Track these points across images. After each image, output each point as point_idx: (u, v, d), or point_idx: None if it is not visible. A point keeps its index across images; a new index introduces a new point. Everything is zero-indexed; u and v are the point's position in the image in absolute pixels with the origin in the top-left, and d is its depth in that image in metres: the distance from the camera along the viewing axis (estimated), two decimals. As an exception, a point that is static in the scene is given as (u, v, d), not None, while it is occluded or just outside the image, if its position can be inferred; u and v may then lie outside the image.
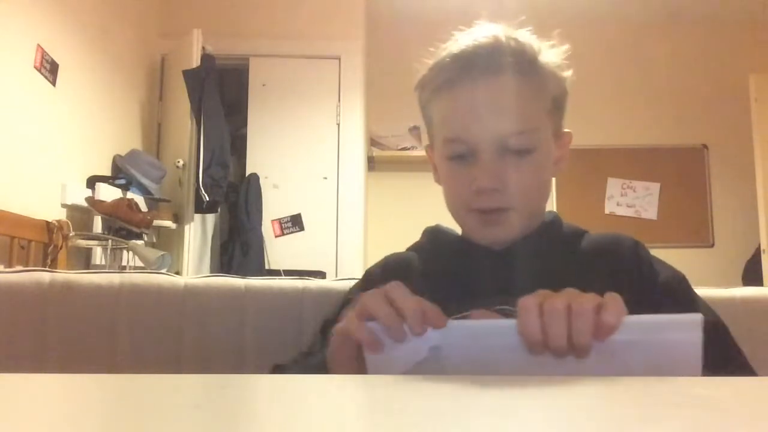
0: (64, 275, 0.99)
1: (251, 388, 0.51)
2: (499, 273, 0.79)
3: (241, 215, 3.45)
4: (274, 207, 3.51)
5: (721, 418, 0.37)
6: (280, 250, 3.46)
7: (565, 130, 0.87)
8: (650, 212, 4.13)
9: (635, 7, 4.00)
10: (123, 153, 3.03)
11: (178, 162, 3.16)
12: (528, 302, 0.54)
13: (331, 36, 3.62)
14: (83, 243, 2.58)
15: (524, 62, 0.80)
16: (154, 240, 3.13)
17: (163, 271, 1.82)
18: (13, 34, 2.26)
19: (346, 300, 0.86)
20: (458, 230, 0.88)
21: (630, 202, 4.15)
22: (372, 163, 3.96)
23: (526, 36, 0.83)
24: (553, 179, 0.89)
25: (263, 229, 3.47)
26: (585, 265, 0.81)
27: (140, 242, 2.70)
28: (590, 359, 0.53)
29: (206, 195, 3.06)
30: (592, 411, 0.40)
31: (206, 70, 3.21)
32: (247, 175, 3.52)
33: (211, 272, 3.31)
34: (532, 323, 0.53)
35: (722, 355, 0.69)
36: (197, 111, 3.14)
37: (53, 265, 2.28)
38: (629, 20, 4.09)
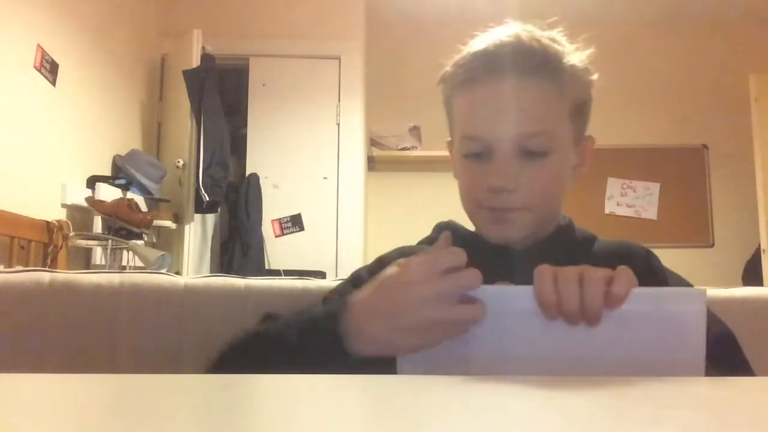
0: (64, 275, 0.99)
1: (251, 388, 0.51)
2: (513, 272, 0.79)
3: (241, 215, 3.45)
4: (274, 207, 3.50)
5: (721, 418, 0.37)
6: (280, 250, 3.46)
7: (587, 134, 0.86)
8: (650, 212, 4.12)
9: (635, 8, 3.99)
10: (123, 153, 3.03)
11: (178, 162, 3.16)
12: (543, 269, 0.59)
13: (330, 36, 3.62)
14: (83, 243, 2.58)
15: (546, 64, 0.79)
16: (154, 240, 3.12)
17: (163, 271, 1.82)
18: (13, 34, 2.26)
19: (356, 277, 0.86)
20: (470, 226, 0.88)
21: (630, 202, 4.15)
22: (372, 163, 3.95)
23: (552, 37, 0.83)
24: None
25: (263, 229, 3.47)
26: None
27: (140, 242, 2.70)
28: (601, 328, 0.57)
29: (206, 195, 3.06)
30: (592, 411, 0.40)
31: (206, 70, 3.21)
32: (247, 175, 3.51)
33: (211, 272, 3.31)
34: (547, 287, 0.57)
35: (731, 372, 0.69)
36: (197, 111, 3.14)
37: (53, 265, 2.28)
38: (629, 20, 4.08)
